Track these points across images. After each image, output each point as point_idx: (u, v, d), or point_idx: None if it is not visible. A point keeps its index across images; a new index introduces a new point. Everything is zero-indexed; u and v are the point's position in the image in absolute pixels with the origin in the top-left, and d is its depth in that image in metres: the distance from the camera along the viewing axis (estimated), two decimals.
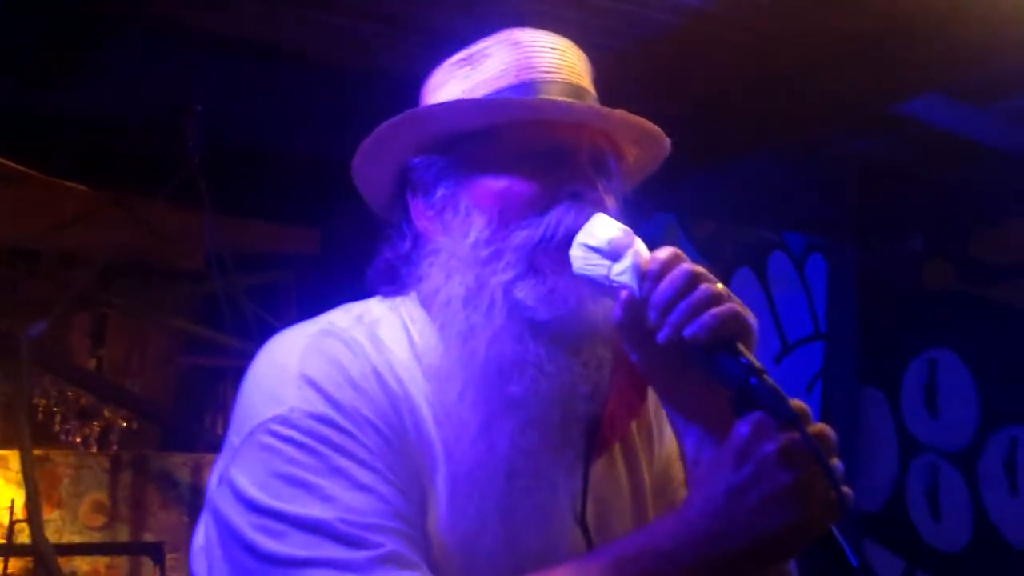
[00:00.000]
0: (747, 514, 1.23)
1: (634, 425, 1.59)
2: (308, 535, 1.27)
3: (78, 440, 7.60)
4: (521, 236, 1.42)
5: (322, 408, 1.33)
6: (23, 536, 6.72)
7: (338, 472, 1.30)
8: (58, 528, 7.66)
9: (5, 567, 6.92)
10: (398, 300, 1.51)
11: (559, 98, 1.46)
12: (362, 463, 1.32)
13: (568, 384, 1.42)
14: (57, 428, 7.53)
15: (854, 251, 5.58)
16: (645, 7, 3.86)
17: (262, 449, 1.33)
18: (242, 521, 1.31)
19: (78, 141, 4.26)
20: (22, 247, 6.94)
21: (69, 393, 7.44)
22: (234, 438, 1.38)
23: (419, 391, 1.41)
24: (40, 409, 7.47)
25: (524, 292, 1.41)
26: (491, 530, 1.38)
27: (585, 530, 1.46)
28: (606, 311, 1.40)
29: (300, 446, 1.31)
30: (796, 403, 1.26)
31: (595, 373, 1.45)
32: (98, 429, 7.62)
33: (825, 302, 5.83)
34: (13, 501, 7.19)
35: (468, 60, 1.53)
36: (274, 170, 4.53)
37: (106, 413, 7.56)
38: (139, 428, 7.76)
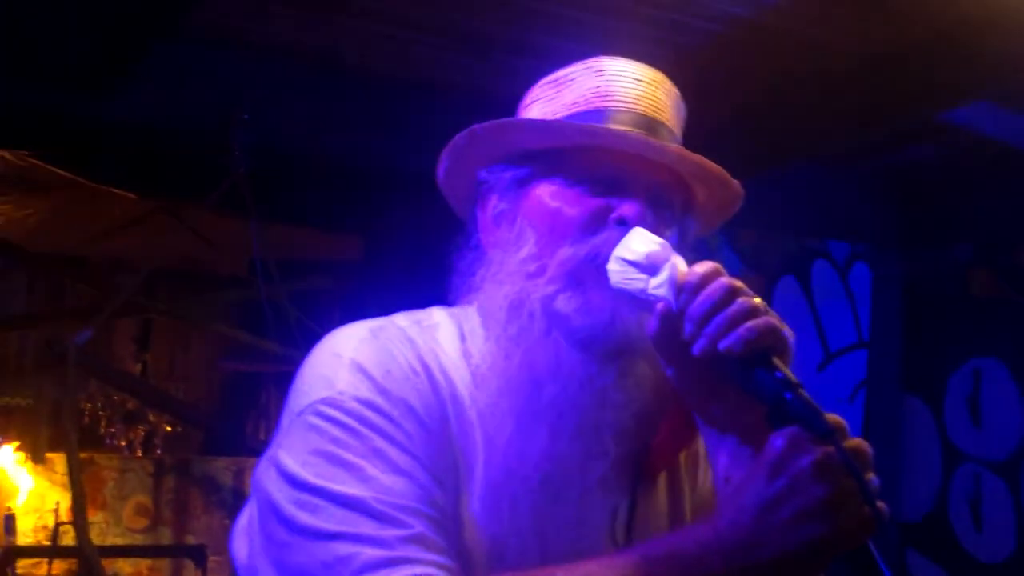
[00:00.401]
0: (780, 527, 1.23)
1: (682, 454, 1.59)
2: (343, 510, 1.29)
3: (123, 444, 7.69)
4: (566, 254, 1.45)
5: (369, 393, 1.37)
6: (68, 538, 6.80)
7: (378, 454, 1.33)
8: (102, 530, 7.75)
9: (50, 568, 7.00)
10: (458, 309, 1.55)
11: (622, 127, 1.47)
12: (402, 448, 1.35)
13: (599, 391, 1.43)
14: (102, 432, 7.62)
15: (899, 260, 5.55)
16: (689, 15, 3.86)
17: (308, 428, 1.37)
18: (281, 496, 1.34)
19: (125, 148, 4.30)
20: (70, 254, 7.01)
21: (115, 397, 7.52)
22: (285, 420, 1.42)
23: (465, 390, 1.45)
24: (86, 413, 7.55)
25: (562, 304, 1.44)
26: (522, 532, 1.41)
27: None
28: (642, 325, 1.40)
29: (344, 427, 1.35)
30: (832, 417, 1.25)
31: (633, 388, 1.46)
32: (143, 433, 7.70)
33: (869, 311, 5.79)
34: (59, 503, 7.28)
35: (555, 83, 1.57)
36: (318, 177, 4.55)
37: (151, 417, 7.64)
38: (182, 432, 7.84)
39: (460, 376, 1.46)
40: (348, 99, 4.03)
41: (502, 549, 1.40)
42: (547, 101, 1.56)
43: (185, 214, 5.54)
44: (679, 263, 1.37)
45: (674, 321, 1.35)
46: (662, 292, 1.35)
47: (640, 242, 1.39)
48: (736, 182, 1.55)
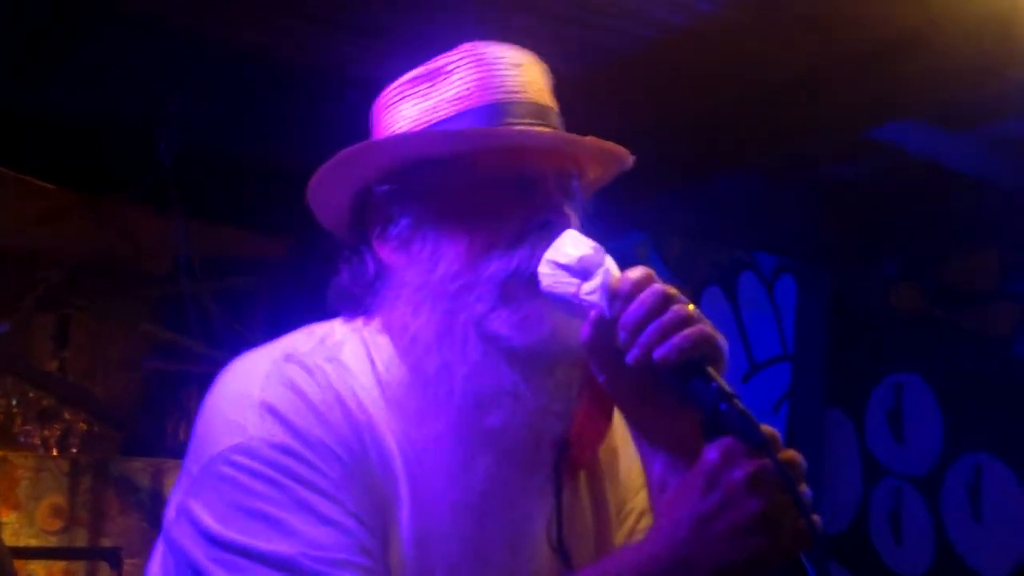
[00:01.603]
0: (714, 542, 1.21)
1: (599, 447, 1.56)
2: (271, 571, 1.24)
3: (38, 442, 7.53)
4: (492, 268, 1.39)
5: (283, 438, 1.30)
6: None
7: (301, 504, 1.27)
8: (15, 531, 7.58)
9: None
10: (360, 323, 1.48)
11: (526, 121, 1.43)
12: (325, 495, 1.28)
13: (542, 407, 1.39)
14: (16, 430, 7.46)
15: (825, 273, 5.60)
16: (622, 22, 3.86)
17: (222, 480, 1.29)
18: (202, 555, 1.28)
19: (49, 140, 4.21)
20: None
21: (30, 395, 7.37)
22: (192, 466, 1.34)
23: (383, 421, 1.38)
24: (0, 410, 7.40)
25: (498, 323, 1.38)
26: (464, 565, 1.36)
27: (564, 553, 1.44)
28: (577, 331, 1.37)
29: (261, 477, 1.28)
30: (766, 429, 1.24)
31: (566, 393, 1.43)
32: (58, 432, 7.55)
33: (794, 323, 5.84)
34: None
35: (427, 76, 1.48)
36: (245, 176, 4.49)
37: (67, 415, 7.49)
38: (100, 432, 7.69)
39: (373, 402, 1.38)
40: (277, 97, 3.97)
41: None
42: (422, 97, 1.47)
43: (107, 209, 5.44)
44: (612, 267, 1.35)
45: (607, 328, 1.32)
46: (595, 298, 1.32)
47: (572, 245, 1.36)
48: (631, 156, 1.53)
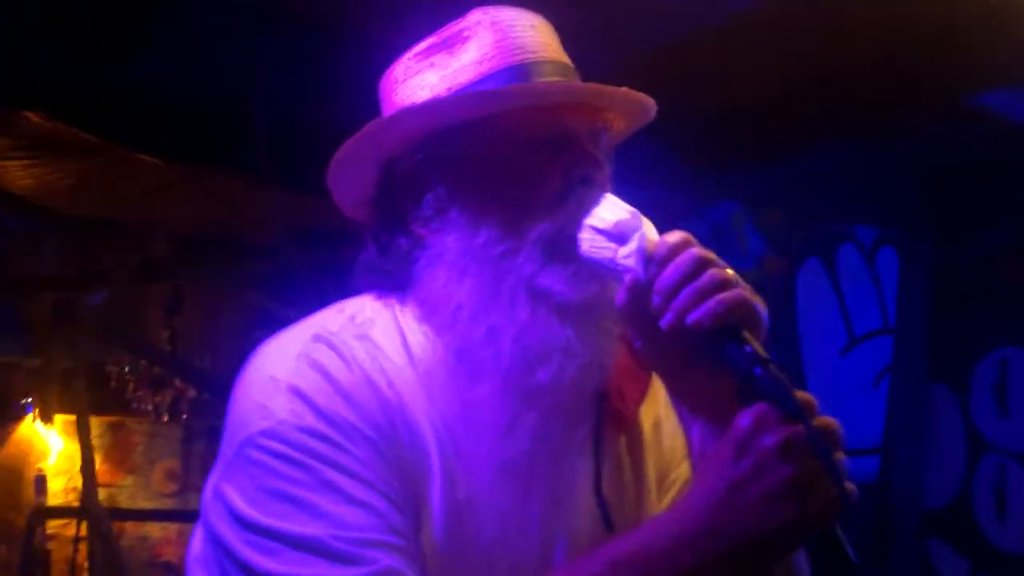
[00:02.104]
0: (745, 509, 1.19)
1: (641, 412, 1.55)
2: (301, 553, 1.25)
3: (150, 408, 7.75)
4: (539, 229, 1.37)
5: (312, 420, 1.30)
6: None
7: (329, 486, 1.27)
8: (132, 494, 7.85)
9: (78, 529, 7.08)
10: (392, 300, 1.46)
11: (555, 78, 1.42)
12: (354, 476, 1.29)
13: (590, 361, 1.38)
14: (129, 395, 7.68)
15: (928, 245, 5.47)
16: None
17: (252, 464, 1.30)
18: (234, 538, 1.29)
19: (150, 114, 4.31)
20: (101, 218, 7.05)
21: (143, 361, 7.58)
22: (226, 450, 1.36)
23: (414, 398, 1.37)
24: (113, 377, 7.61)
25: (549, 279, 1.37)
26: (508, 529, 1.36)
27: (604, 509, 1.42)
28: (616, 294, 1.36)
29: (290, 460, 1.28)
30: (802, 395, 1.21)
31: (611, 347, 1.42)
32: (170, 397, 7.76)
33: (896, 296, 5.72)
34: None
35: (443, 45, 1.45)
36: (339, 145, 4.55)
37: (177, 383, 7.69)
38: (209, 398, 7.88)
39: (404, 380, 1.37)
40: (371, 66, 4.01)
41: (488, 551, 1.35)
42: (441, 66, 1.44)
43: (212, 182, 5.54)
44: (649, 232, 1.34)
45: (642, 293, 1.30)
46: (631, 262, 1.31)
47: (610, 210, 1.36)
48: (655, 106, 1.50)
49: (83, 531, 7.04)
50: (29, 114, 5.32)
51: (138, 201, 6.35)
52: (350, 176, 1.48)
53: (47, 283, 7.39)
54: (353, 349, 1.37)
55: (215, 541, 1.33)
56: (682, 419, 1.43)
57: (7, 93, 4.69)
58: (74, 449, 7.61)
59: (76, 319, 4.87)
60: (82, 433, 4.92)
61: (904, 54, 4.02)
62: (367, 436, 1.31)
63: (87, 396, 5.03)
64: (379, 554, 1.25)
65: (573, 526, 1.41)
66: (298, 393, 1.32)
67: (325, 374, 1.34)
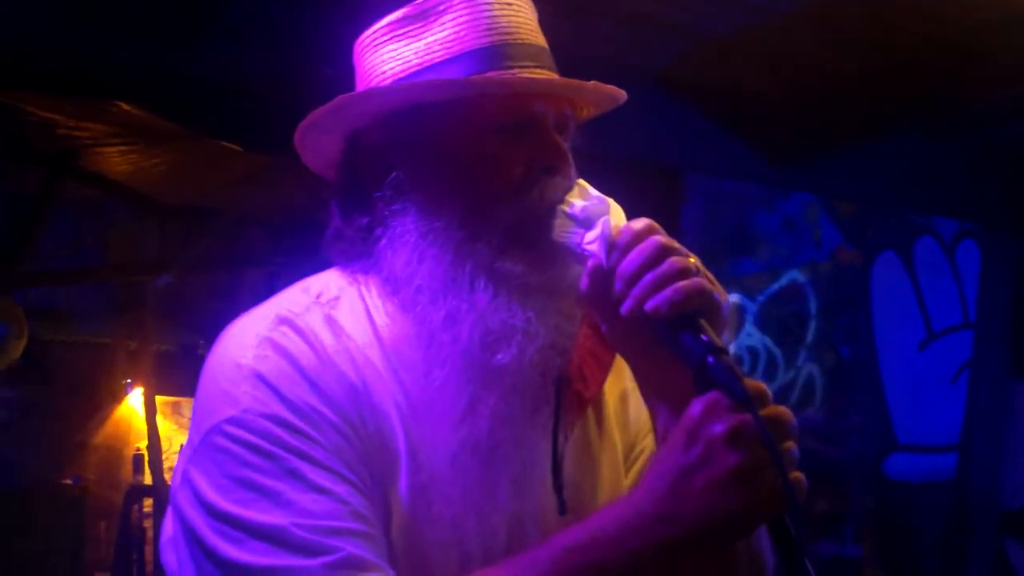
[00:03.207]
0: (694, 496, 1.20)
1: (606, 389, 1.56)
2: (265, 543, 1.26)
3: None
4: (501, 214, 1.39)
5: (276, 408, 1.32)
6: None
7: (293, 474, 1.29)
8: None
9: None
10: (358, 274, 1.47)
11: (524, 64, 1.42)
12: (317, 463, 1.31)
13: (550, 343, 1.40)
14: None
15: (1010, 238, 5.34)
16: None
17: (217, 451, 1.32)
18: (202, 524, 1.31)
19: (233, 102, 4.41)
20: (198, 204, 7.22)
21: None
22: (194, 435, 1.38)
23: (380, 379, 1.39)
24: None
25: (510, 262, 1.39)
26: (471, 510, 1.39)
27: (559, 493, 1.44)
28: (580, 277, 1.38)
29: (254, 449, 1.31)
30: (753, 383, 1.21)
31: (571, 329, 1.44)
32: None
33: (976, 290, 5.60)
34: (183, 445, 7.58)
35: (418, 17, 1.45)
36: None
37: None
38: None
39: (369, 360, 1.40)
40: None
41: (453, 532, 1.38)
42: (413, 37, 1.44)
43: (300, 169, 5.64)
44: (616, 219, 1.36)
45: (605, 278, 1.33)
46: (594, 248, 1.33)
47: (579, 195, 1.39)
48: (625, 95, 1.51)
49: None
50: (120, 103, 5.51)
51: (230, 188, 6.50)
52: (319, 143, 1.51)
53: (149, 267, 7.61)
54: (318, 331, 1.38)
55: (184, 526, 1.35)
56: (647, 402, 1.45)
57: (100, 82, 4.85)
58: (172, 430, 7.83)
59: (144, 301, 5.01)
60: (148, 412, 5.07)
61: (983, 41, 3.94)
62: (332, 421, 1.33)
63: (153, 376, 5.17)
64: (342, 542, 1.27)
65: (537, 509, 1.43)
66: (262, 379, 1.33)
67: (289, 358, 1.35)
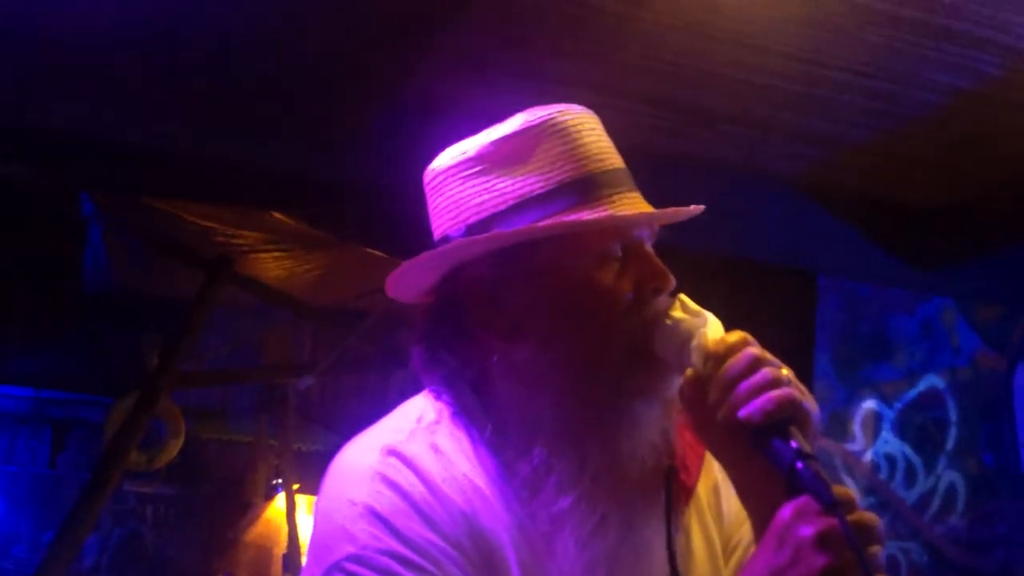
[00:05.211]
0: None
1: (701, 485, 1.61)
2: None
3: None
4: (617, 341, 1.43)
5: (390, 543, 1.36)
6: None
7: None
8: None
9: None
10: (456, 404, 1.49)
11: (618, 191, 1.47)
12: None
13: (664, 447, 1.47)
14: None
15: None
16: (912, 89, 3.84)
17: None
18: None
19: (367, 208, 4.61)
20: (347, 308, 7.45)
21: None
22: (314, 570, 1.43)
23: (489, 506, 1.43)
24: None
25: (630, 385, 1.44)
26: None
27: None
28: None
29: None
30: (841, 490, 1.27)
31: (674, 428, 1.50)
32: None
33: None
34: None
35: (506, 149, 1.47)
36: None
37: None
38: None
39: (475, 487, 1.43)
40: None
41: None
42: (505, 169, 1.46)
43: None
44: (713, 331, 1.44)
45: (702, 387, 1.38)
46: (692, 358, 1.40)
47: (679, 308, 1.46)
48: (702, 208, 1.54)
49: None
50: (275, 213, 5.78)
51: (376, 292, 6.71)
52: (411, 280, 1.54)
53: (301, 369, 7.86)
54: (424, 460, 1.43)
55: None
56: (742, 501, 1.49)
57: (256, 191, 5.11)
58: None
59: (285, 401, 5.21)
60: (289, 511, 5.23)
61: None
62: (448, 553, 1.38)
63: (294, 475, 5.35)
64: None
65: None
66: (377, 516, 1.37)
67: (401, 493, 1.39)
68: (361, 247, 5.78)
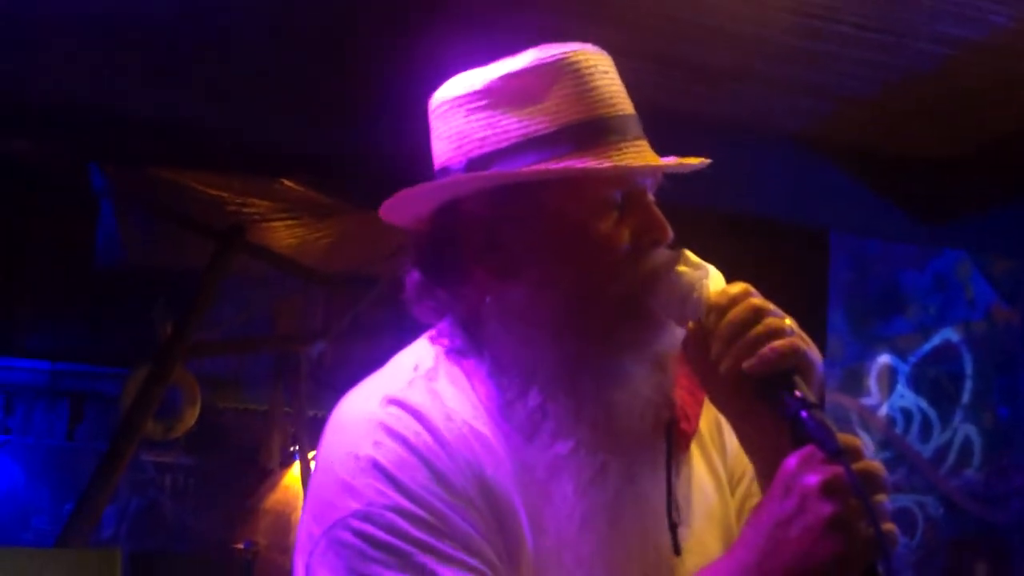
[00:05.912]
0: (789, 544, 1.24)
1: (703, 422, 1.59)
2: None
3: None
4: (613, 289, 1.41)
5: (396, 498, 1.32)
6: None
7: (421, 570, 1.30)
8: None
9: None
10: (453, 345, 1.45)
11: (626, 138, 1.43)
12: (444, 557, 1.31)
13: (665, 400, 1.45)
14: None
15: None
16: (918, 42, 3.82)
17: (343, 546, 1.31)
18: None
19: (379, 175, 4.61)
20: (360, 274, 7.47)
21: None
22: (314, 527, 1.37)
23: (492, 452, 1.40)
24: None
25: (626, 335, 1.42)
26: (603, 568, 1.41)
27: (674, 534, 1.47)
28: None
29: (380, 544, 1.30)
30: (846, 438, 1.26)
31: (673, 380, 1.48)
32: None
33: None
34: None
35: (515, 84, 1.43)
36: None
37: None
38: None
39: (479, 431, 1.40)
40: None
41: None
42: (511, 107, 1.42)
43: None
44: (714, 282, 1.43)
45: (704, 340, 1.38)
46: (694, 310, 1.39)
47: (681, 262, 1.45)
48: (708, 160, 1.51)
49: None
50: (285, 180, 5.79)
51: (389, 258, 6.72)
52: (405, 209, 1.49)
53: (313, 336, 7.88)
54: (427, 409, 1.38)
55: None
56: (748, 455, 1.48)
57: (265, 160, 5.12)
58: None
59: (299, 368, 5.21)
60: (305, 477, 5.24)
61: None
62: (455, 507, 1.34)
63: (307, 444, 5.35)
64: None
65: (651, 558, 1.47)
66: (381, 470, 1.33)
67: (406, 444, 1.35)
68: (372, 213, 5.78)
